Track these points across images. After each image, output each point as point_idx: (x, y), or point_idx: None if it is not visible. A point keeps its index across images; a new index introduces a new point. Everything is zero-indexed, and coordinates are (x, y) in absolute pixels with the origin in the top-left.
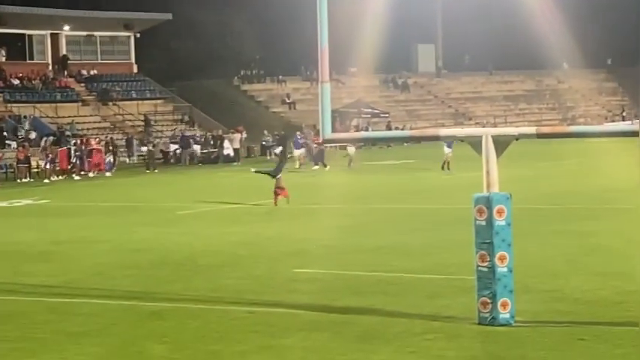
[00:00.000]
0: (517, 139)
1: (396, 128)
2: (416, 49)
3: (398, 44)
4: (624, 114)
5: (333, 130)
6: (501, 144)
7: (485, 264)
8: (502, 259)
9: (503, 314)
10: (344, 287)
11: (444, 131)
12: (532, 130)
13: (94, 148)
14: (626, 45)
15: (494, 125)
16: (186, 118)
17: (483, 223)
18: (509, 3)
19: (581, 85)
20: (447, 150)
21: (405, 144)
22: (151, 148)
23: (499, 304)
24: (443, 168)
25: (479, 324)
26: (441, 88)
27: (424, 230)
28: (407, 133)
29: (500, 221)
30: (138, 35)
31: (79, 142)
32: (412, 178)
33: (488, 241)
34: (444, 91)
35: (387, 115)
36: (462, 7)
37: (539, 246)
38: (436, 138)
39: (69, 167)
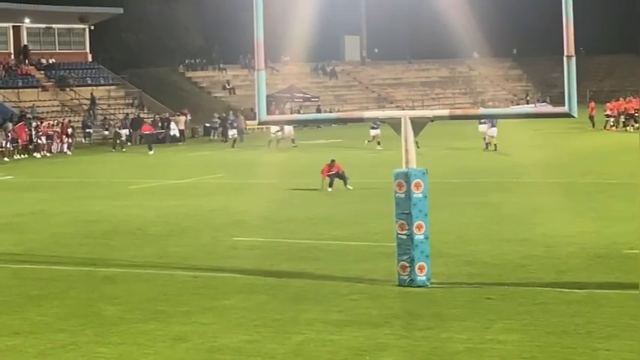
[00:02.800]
0: (432, 121)
1: (325, 111)
2: (343, 40)
3: (326, 35)
4: (528, 98)
5: (268, 112)
6: (418, 125)
7: (405, 232)
8: (419, 227)
9: (421, 277)
10: (279, 254)
11: (367, 114)
12: (445, 112)
13: (53, 130)
14: (529, 36)
15: (413, 108)
16: (137, 102)
17: (402, 195)
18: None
19: (490, 72)
20: (373, 132)
21: (333, 125)
22: (117, 129)
23: (416, 267)
24: (370, 142)
25: (399, 285)
26: (366, 75)
27: (350, 202)
28: (334, 115)
29: (417, 194)
30: (92, 27)
31: (39, 123)
32: (339, 155)
33: (407, 211)
34: (368, 78)
35: (317, 100)
36: (384, 2)
37: (453, 216)
38: (360, 120)
39: (27, 143)
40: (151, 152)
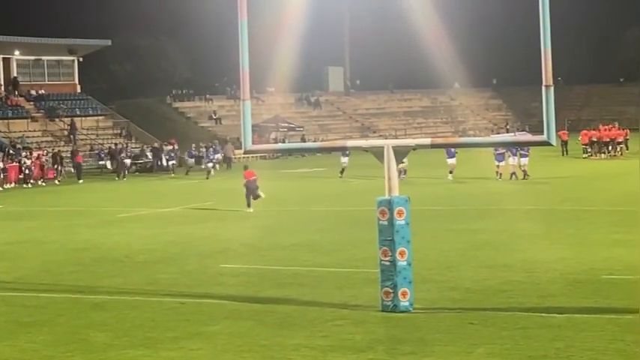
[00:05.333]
0: (414, 149)
1: (310, 140)
2: (327, 71)
3: (310, 67)
4: (508, 127)
5: (253, 142)
6: (401, 153)
7: (388, 258)
8: (402, 254)
9: (404, 302)
10: (265, 280)
11: (350, 142)
12: (427, 141)
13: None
14: (508, 67)
15: (396, 137)
16: (124, 132)
17: (385, 222)
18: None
19: (471, 102)
20: (343, 159)
21: (318, 154)
22: (121, 159)
23: (399, 293)
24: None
25: (382, 311)
26: (349, 105)
27: (334, 230)
28: (318, 144)
29: (400, 221)
30: (81, 59)
31: (29, 153)
32: (323, 183)
33: (389, 238)
34: (352, 108)
35: (301, 129)
36: (366, 35)
37: (435, 242)
38: (344, 148)
39: (20, 177)
40: (81, 181)
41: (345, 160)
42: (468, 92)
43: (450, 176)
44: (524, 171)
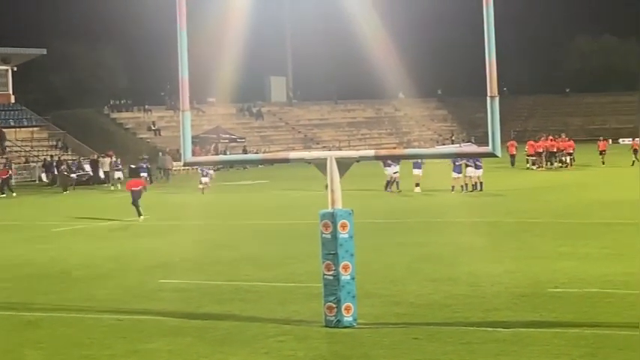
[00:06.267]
0: (358, 161)
1: (252, 152)
2: (269, 81)
3: (252, 76)
4: (453, 138)
5: (194, 153)
6: (344, 165)
7: (331, 273)
8: (346, 268)
9: (347, 317)
10: (205, 295)
11: (293, 154)
12: (371, 152)
13: None
14: (454, 77)
15: (340, 149)
16: (60, 144)
17: (329, 236)
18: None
19: (415, 113)
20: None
21: (260, 166)
22: (63, 172)
23: (343, 308)
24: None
25: (325, 326)
26: (292, 115)
27: (276, 243)
28: (260, 156)
29: (343, 234)
30: (15, 69)
31: None
32: (265, 196)
33: (333, 252)
34: (294, 119)
35: (243, 140)
36: (309, 44)
37: (379, 256)
38: (286, 160)
39: None
40: (14, 194)
41: (391, 170)
42: (412, 103)
43: (417, 189)
44: (481, 183)
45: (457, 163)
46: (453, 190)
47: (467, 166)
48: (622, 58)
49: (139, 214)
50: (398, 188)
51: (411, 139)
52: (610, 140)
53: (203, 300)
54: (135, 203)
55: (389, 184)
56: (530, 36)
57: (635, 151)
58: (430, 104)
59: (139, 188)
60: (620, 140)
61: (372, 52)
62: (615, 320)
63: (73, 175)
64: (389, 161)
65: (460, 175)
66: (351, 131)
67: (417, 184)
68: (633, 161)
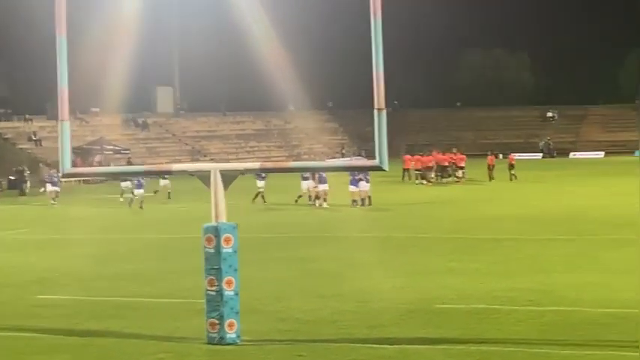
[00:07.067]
0: (243, 174)
1: (137, 164)
2: (155, 91)
3: (138, 86)
4: (344, 151)
5: (76, 165)
6: (229, 178)
7: (214, 288)
8: (229, 283)
9: (230, 334)
10: (84, 312)
11: (176, 166)
12: (257, 165)
13: None
14: (344, 89)
15: (227, 161)
16: None
17: (212, 250)
18: (242, 52)
19: (306, 125)
20: (259, 183)
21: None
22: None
23: (226, 324)
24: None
25: (208, 343)
26: (179, 127)
27: (159, 258)
28: (143, 167)
29: (227, 249)
30: None
31: None
32: (151, 210)
33: (216, 267)
34: (181, 130)
35: (127, 152)
36: (197, 53)
37: (264, 271)
38: (169, 173)
39: None
40: None
41: (261, 183)
42: (303, 115)
43: (324, 204)
44: (369, 197)
45: (355, 177)
46: (355, 205)
47: (360, 180)
48: (513, 72)
49: None
50: (264, 201)
51: (301, 152)
52: (500, 155)
53: (82, 316)
54: None
55: (311, 198)
56: (421, 49)
57: (512, 166)
58: (321, 117)
59: None
60: (500, 155)
61: (262, 63)
62: (500, 336)
63: None
64: (305, 174)
65: (357, 189)
66: (239, 143)
67: (320, 198)
68: (510, 176)
